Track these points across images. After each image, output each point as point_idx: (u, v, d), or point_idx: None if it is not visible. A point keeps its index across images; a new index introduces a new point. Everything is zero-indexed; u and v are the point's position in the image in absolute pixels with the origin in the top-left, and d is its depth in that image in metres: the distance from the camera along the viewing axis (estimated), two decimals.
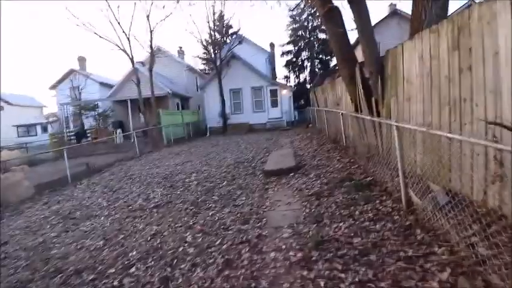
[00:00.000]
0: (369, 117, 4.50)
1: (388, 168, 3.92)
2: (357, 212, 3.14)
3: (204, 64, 35.37)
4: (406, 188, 3.10)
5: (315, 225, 3.00)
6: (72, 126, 22.15)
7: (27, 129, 26.88)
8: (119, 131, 16.13)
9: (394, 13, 17.73)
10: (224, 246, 2.82)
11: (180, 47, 27.26)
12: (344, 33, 5.63)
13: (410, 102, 3.74)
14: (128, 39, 12.49)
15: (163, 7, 13.52)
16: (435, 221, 2.51)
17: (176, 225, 3.60)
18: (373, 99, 4.60)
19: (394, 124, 3.13)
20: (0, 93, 26.00)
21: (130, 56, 12.66)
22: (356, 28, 4.73)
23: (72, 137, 17.36)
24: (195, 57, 29.62)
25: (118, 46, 12.37)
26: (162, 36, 63.49)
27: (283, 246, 2.62)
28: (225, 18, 27.65)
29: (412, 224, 2.66)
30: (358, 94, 5.07)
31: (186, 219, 3.77)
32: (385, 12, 20.14)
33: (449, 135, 2.23)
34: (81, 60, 26.44)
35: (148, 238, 3.34)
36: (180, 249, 2.93)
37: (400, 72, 3.91)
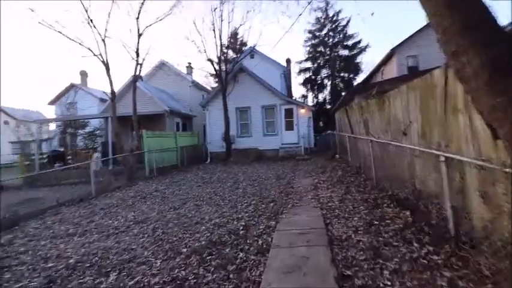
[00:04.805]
0: None
1: None
2: None
3: (216, 82, 33.07)
4: None
5: None
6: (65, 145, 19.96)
7: (22, 146, 24.97)
8: (96, 155, 13.27)
9: None
10: None
11: (189, 63, 25.13)
12: None
13: None
14: (104, 41, 9.87)
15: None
16: None
17: None
18: None
19: None
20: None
21: (106, 62, 9.96)
22: None
23: (45, 160, 14.70)
24: (203, 70, 27.17)
25: (91, 50, 9.76)
26: (168, 50, 61.79)
27: None
28: (239, 35, 25.55)
29: None
30: None
31: None
32: (422, 21, 16.92)
33: None
34: (83, 74, 24.90)
35: None
36: None
37: None
